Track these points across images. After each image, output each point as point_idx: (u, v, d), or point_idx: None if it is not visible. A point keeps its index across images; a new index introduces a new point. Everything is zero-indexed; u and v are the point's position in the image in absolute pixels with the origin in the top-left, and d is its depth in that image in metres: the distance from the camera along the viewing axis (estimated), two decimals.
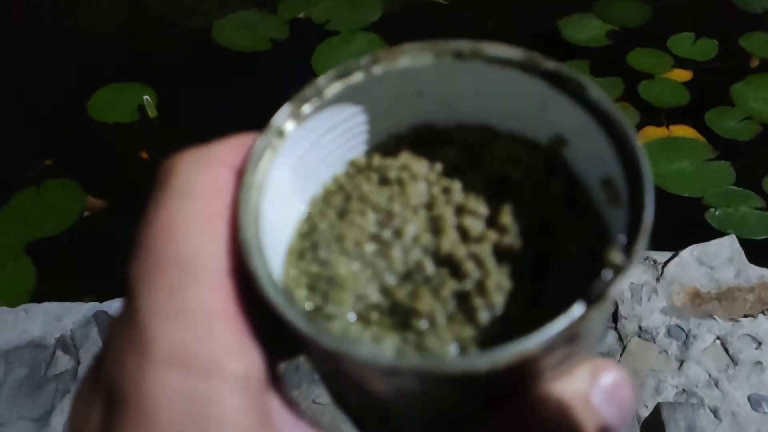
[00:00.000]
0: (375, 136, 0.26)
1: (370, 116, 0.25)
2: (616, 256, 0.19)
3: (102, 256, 1.48)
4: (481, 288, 0.22)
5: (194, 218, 0.20)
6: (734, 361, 1.09)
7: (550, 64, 0.23)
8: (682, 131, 1.76)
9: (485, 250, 0.23)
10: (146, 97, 1.73)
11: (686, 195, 1.58)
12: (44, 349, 1.20)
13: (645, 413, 1.01)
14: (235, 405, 0.18)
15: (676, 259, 1.21)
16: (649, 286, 1.18)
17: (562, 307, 0.18)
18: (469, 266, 0.22)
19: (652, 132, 1.75)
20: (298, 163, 0.24)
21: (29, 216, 1.53)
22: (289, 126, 0.23)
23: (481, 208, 0.24)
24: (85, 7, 2.08)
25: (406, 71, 0.24)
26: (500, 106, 0.25)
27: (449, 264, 0.22)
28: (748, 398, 1.04)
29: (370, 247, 0.23)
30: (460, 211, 0.24)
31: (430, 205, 0.24)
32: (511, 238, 0.23)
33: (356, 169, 0.26)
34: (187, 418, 0.17)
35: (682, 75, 1.89)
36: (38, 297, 1.34)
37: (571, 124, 0.23)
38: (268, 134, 0.22)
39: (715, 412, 1.03)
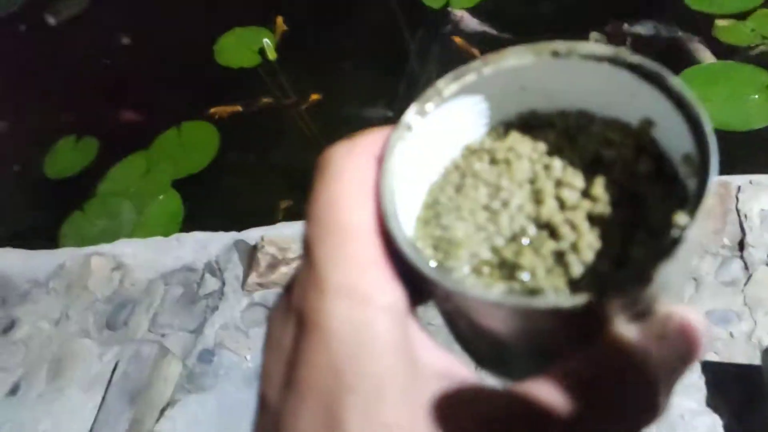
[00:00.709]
0: (486, 125, 0.31)
1: (481, 108, 0.30)
2: (682, 217, 0.23)
3: (238, 191, 1.64)
4: (575, 247, 0.26)
5: (348, 195, 0.26)
6: None
7: (635, 58, 0.26)
8: None
9: (579, 216, 0.26)
10: (266, 40, 1.83)
11: None
12: (195, 272, 1.38)
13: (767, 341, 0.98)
14: (385, 326, 0.24)
15: None
16: None
17: (646, 263, 0.22)
18: (565, 230, 0.26)
19: None
20: (423, 149, 0.28)
21: (174, 154, 1.71)
22: (416, 121, 0.28)
23: (577, 181, 0.27)
24: None
25: (512, 69, 0.28)
26: (595, 96, 0.29)
27: (548, 228, 0.26)
28: None
29: (482, 215, 0.28)
30: (558, 184, 0.27)
31: (532, 180, 0.28)
32: (602, 207, 0.26)
33: (470, 152, 0.30)
34: (352, 335, 0.23)
35: None
36: (186, 228, 1.51)
37: (656, 109, 0.26)
38: (399, 129, 0.28)
39: None
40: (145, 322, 1.36)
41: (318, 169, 0.27)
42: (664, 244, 0.22)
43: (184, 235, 1.44)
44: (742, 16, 1.65)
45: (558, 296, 0.25)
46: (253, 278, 1.31)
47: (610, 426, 0.23)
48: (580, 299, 0.22)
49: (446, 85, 0.28)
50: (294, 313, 0.25)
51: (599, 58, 0.27)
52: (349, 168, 0.27)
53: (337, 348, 0.23)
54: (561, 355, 0.24)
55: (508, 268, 0.27)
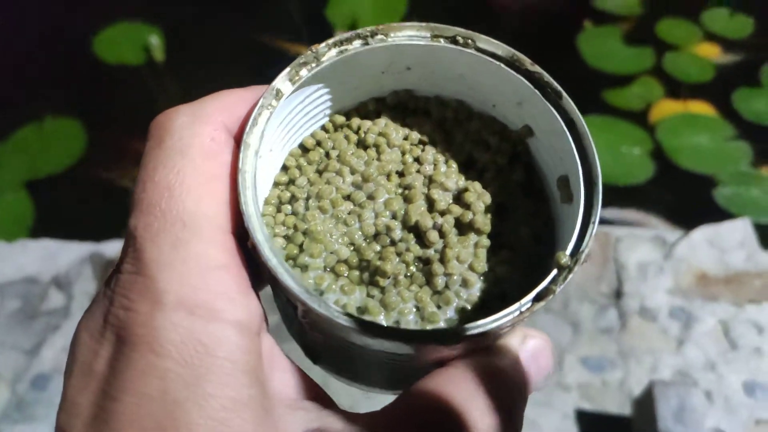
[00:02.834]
0: (357, 97, 0.28)
1: (358, 81, 0.27)
2: (565, 258, 0.22)
3: (100, 198, 1.47)
4: (441, 257, 0.24)
5: (194, 177, 0.21)
6: (734, 345, 1.06)
7: (535, 68, 0.25)
8: (700, 108, 1.70)
9: (448, 223, 0.25)
10: (153, 38, 1.69)
11: (699, 171, 1.53)
12: (37, 285, 1.20)
13: (638, 392, 0.99)
14: (237, 346, 0.20)
15: (687, 239, 1.17)
16: (656, 264, 1.15)
17: (508, 280, 0.22)
18: (433, 236, 0.24)
19: (668, 106, 1.69)
20: (287, 118, 0.26)
21: (31, 152, 1.51)
22: (287, 88, 0.25)
23: (449, 182, 0.26)
24: None
25: (401, 46, 0.26)
26: (480, 94, 0.27)
27: (415, 231, 0.25)
28: (743, 384, 1.02)
29: (344, 207, 0.25)
30: (429, 181, 0.26)
31: (402, 173, 0.26)
32: (473, 215, 0.25)
33: (336, 126, 0.28)
34: (196, 356, 0.19)
35: (710, 50, 1.82)
36: (35, 234, 1.33)
37: (542, 124, 0.26)
38: (268, 96, 0.24)
39: (708, 394, 1.01)
40: None
41: (152, 139, 0.22)
42: (544, 285, 0.21)
43: (31, 241, 1.26)
44: (629, 79, 1.74)
45: (417, 325, 0.23)
46: None
47: None
48: (439, 336, 0.20)
49: (327, 50, 0.26)
50: (112, 329, 0.20)
51: (497, 57, 0.26)
52: (196, 142, 0.22)
53: (175, 373, 0.19)
54: (412, 373, 0.22)
55: (368, 272, 0.24)
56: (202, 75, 1.66)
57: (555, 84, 0.25)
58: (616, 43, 1.83)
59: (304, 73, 0.25)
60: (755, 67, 1.76)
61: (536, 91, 0.25)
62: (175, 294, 0.20)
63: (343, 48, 0.26)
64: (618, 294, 1.13)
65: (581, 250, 0.22)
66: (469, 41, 0.26)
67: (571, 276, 0.21)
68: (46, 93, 1.68)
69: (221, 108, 0.23)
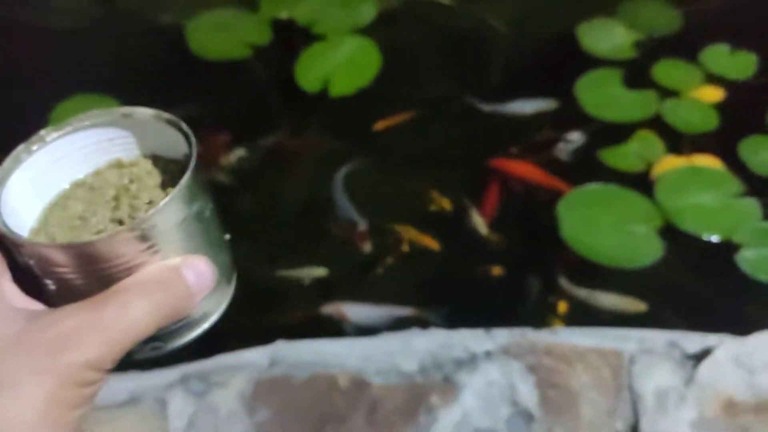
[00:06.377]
0: (86, 167, 0.42)
1: (80, 155, 0.41)
2: (170, 191, 0.37)
3: None
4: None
5: None
6: None
7: (166, 116, 0.39)
8: (706, 161, 1.56)
9: (141, 211, 0.38)
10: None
11: (704, 233, 1.40)
12: None
13: None
14: None
15: (710, 358, 1.05)
16: (676, 391, 1.02)
17: None
18: (128, 221, 0.38)
19: (671, 162, 1.55)
20: (36, 178, 0.39)
21: None
22: (24, 156, 0.38)
23: (144, 195, 0.40)
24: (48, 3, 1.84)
25: (97, 125, 0.40)
26: (159, 143, 0.41)
27: (120, 222, 0.38)
28: None
29: (77, 222, 0.39)
30: (133, 198, 0.39)
31: (116, 198, 0.40)
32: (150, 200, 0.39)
33: (76, 186, 0.41)
34: None
35: (713, 94, 1.68)
36: None
37: (184, 147, 0.39)
38: (9, 161, 0.37)
39: None
40: None
41: None
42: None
43: None
44: (628, 131, 1.58)
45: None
46: None
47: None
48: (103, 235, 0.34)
49: (48, 133, 0.39)
50: None
51: (148, 116, 0.40)
52: None
53: None
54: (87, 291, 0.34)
55: None
56: None
57: (177, 120, 0.39)
58: (617, 89, 1.67)
59: (35, 147, 0.38)
60: (762, 110, 1.62)
61: (174, 129, 0.39)
62: None
63: (58, 131, 0.39)
64: (635, 431, 1.00)
65: (176, 188, 0.35)
66: (131, 113, 0.40)
67: (165, 204, 0.34)
68: None
69: None
